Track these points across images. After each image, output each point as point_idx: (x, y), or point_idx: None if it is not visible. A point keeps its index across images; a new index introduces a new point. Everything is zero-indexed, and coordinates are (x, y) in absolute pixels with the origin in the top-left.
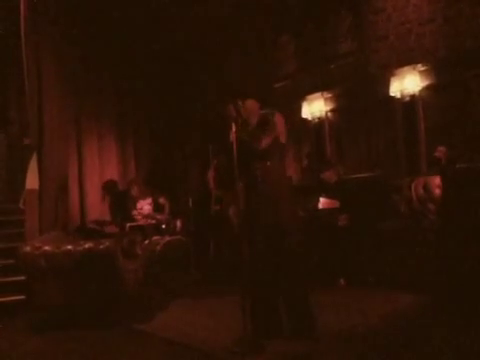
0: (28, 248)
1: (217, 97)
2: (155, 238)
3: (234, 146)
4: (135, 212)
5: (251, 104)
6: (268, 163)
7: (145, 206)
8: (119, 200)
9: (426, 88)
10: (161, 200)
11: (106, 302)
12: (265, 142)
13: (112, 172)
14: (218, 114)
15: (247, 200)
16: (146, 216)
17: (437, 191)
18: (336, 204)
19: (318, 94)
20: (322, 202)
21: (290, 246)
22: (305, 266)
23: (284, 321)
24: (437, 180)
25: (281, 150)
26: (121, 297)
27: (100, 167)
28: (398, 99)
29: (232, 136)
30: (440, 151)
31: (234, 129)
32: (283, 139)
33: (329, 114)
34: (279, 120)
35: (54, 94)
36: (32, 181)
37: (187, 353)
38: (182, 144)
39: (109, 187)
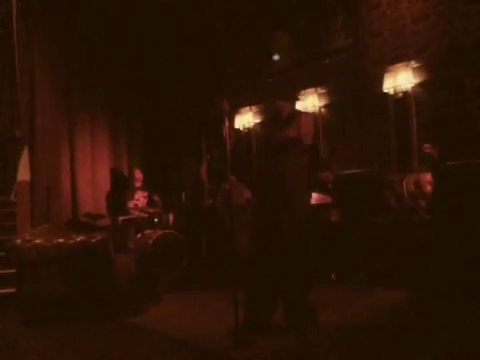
0: (19, 241)
1: (211, 91)
2: (147, 232)
3: (227, 140)
4: (131, 204)
5: (285, 105)
6: (286, 158)
7: (141, 198)
8: (118, 189)
9: (419, 85)
10: (155, 198)
11: (98, 295)
12: (292, 134)
13: (104, 166)
14: (212, 108)
15: (260, 192)
16: (139, 209)
17: (428, 188)
18: (328, 200)
19: (312, 90)
20: (314, 198)
21: (293, 239)
22: (308, 262)
23: (277, 315)
24: (428, 177)
25: (302, 149)
26: (113, 290)
27: (92, 161)
28: (391, 96)
29: (225, 130)
30: (426, 147)
31: (227, 124)
32: (307, 140)
33: (322, 110)
34: (305, 120)
35: (46, 87)
36: (24, 173)
37: (178, 347)
38: (175, 139)
39: (115, 174)
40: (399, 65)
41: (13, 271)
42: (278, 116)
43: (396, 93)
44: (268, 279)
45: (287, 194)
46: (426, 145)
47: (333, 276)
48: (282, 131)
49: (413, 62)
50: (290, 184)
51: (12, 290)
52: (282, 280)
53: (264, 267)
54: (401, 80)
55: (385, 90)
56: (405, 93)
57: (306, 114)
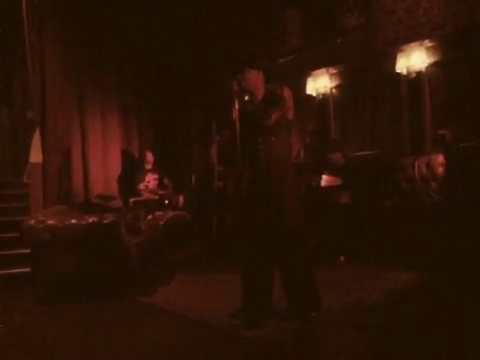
0: (32, 222)
1: (220, 72)
2: (158, 213)
3: (237, 122)
4: (142, 186)
5: (255, 75)
6: (272, 139)
7: (152, 180)
8: (129, 171)
9: (433, 65)
10: (165, 181)
11: (110, 275)
12: (275, 117)
13: (115, 148)
14: (221, 90)
15: (248, 176)
16: (150, 191)
17: (440, 169)
18: (338, 182)
19: (323, 70)
20: (325, 179)
21: (291, 224)
22: (307, 245)
23: (278, 300)
24: (440, 158)
25: (287, 126)
26: (124, 271)
27: (103, 143)
28: (404, 76)
29: (235, 113)
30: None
31: (237, 106)
32: (290, 115)
33: (334, 90)
34: (288, 95)
35: (57, 70)
36: (36, 155)
37: (189, 325)
38: (185, 120)
39: (126, 156)
40: (413, 44)
41: (27, 251)
42: (254, 92)
43: (409, 73)
44: (263, 264)
45: (280, 175)
46: (441, 132)
47: (342, 258)
48: (272, 112)
49: (427, 41)
50: (281, 165)
51: (27, 270)
52: (282, 265)
53: (259, 250)
54: (415, 60)
55: (398, 70)
56: (419, 73)
57: (286, 89)
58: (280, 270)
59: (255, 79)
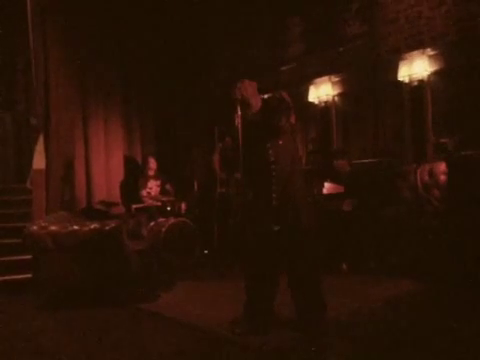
0: (35, 227)
1: (223, 79)
2: (160, 220)
3: (239, 129)
4: (144, 192)
5: (252, 84)
6: (280, 142)
7: (154, 187)
8: (131, 178)
9: (435, 73)
10: (167, 186)
11: (111, 282)
12: (284, 119)
13: (118, 154)
14: (224, 96)
15: (258, 180)
16: (152, 198)
17: (442, 177)
18: (341, 189)
19: (325, 78)
20: (327, 187)
21: (304, 224)
22: (318, 249)
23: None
24: (442, 166)
25: (292, 129)
26: (126, 277)
27: (106, 149)
28: (406, 84)
29: (237, 119)
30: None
31: (239, 112)
32: (293, 119)
33: (336, 98)
34: (288, 99)
35: (60, 76)
36: (39, 161)
37: (190, 332)
38: (188, 127)
39: (129, 162)
40: (415, 53)
41: (29, 257)
42: (251, 99)
43: (411, 81)
44: (269, 272)
45: (290, 177)
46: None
47: (344, 266)
48: (280, 114)
49: (429, 50)
50: (291, 168)
51: (28, 275)
52: (291, 270)
53: (267, 257)
54: (417, 68)
55: (400, 78)
56: (421, 81)
57: (285, 93)
58: (289, 276)
59: (253, 87)
